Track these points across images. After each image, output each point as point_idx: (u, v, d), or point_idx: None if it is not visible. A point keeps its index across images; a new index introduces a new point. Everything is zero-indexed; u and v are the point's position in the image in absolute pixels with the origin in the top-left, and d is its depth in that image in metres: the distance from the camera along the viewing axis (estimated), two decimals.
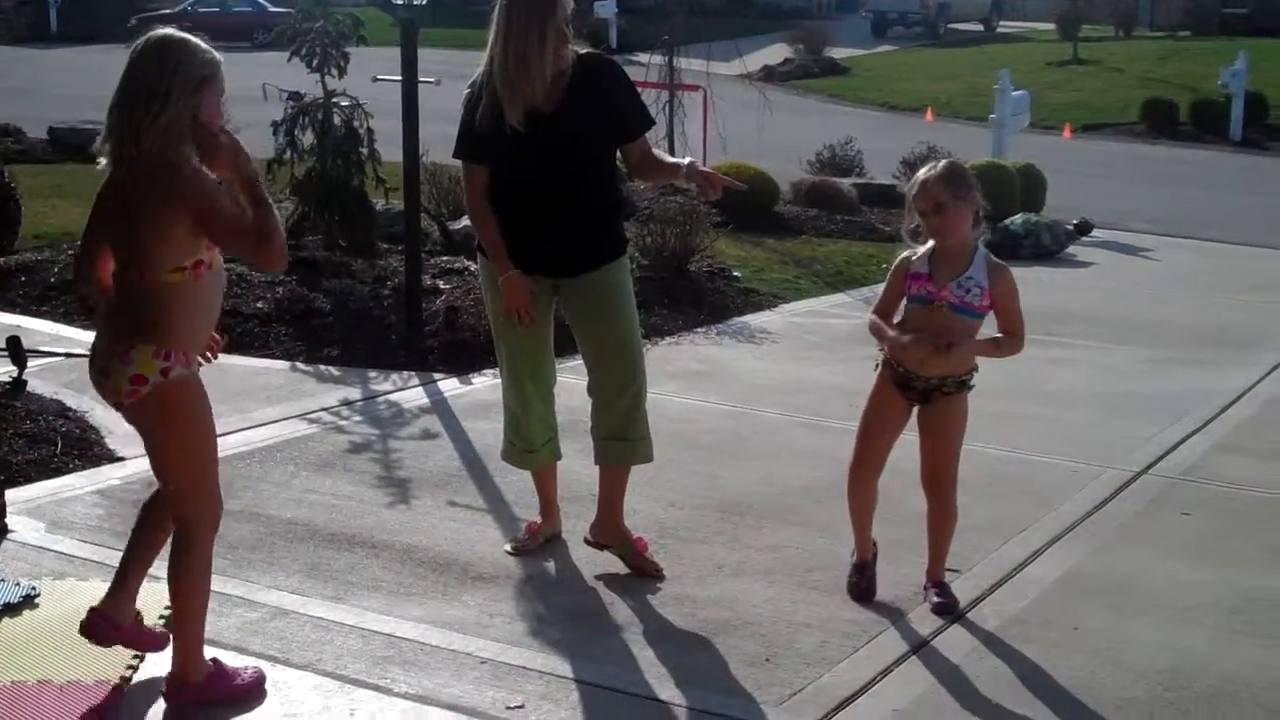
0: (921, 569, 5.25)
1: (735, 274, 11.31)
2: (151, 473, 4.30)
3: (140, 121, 3.91)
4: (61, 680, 4.31)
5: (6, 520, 5.53)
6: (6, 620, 4.71)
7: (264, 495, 6.04)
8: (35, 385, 7.22)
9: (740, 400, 7.93)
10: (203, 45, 4.04)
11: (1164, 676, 4.64)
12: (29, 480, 6.06)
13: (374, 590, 5.11)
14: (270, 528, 5.68)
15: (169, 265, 3.98)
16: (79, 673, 4.35)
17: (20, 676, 4.31)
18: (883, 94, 33.55)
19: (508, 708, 4.27)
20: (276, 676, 4.39)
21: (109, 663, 4.41)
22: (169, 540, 4.30)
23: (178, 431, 4.12)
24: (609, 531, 5.41)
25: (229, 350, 4.78)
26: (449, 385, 7.96)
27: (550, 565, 5.48)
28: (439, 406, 7.55)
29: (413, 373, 8.17)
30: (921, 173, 4.97)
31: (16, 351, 7.33)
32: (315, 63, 10.18)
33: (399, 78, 8.76)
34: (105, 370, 4.08)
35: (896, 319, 5.07)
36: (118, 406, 4.15)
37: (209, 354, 4.39)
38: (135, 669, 4.39)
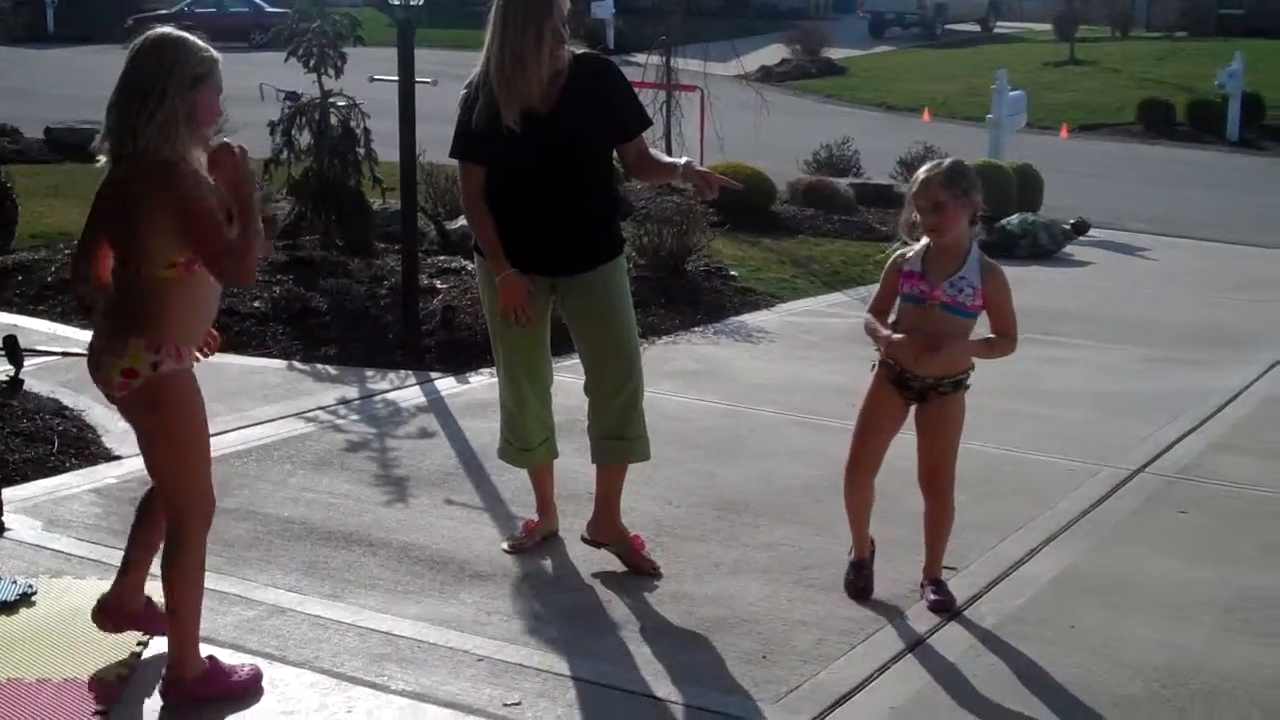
0: (918, 567, 5.26)
1: (732, 273, 11.32)
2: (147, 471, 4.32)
3: (137, 119, 3.95)
4: (59, 678, 4.31)
5: (3, 518, 5.54)
6: (4, 618, 4.72)
7: (261, 494, 6.05)
8: (32, 384, 7.22)
9: (737, 399, 7.93)
10: (200, 43, 4.07)
11: (1160, 674, 4.65)
12: (26, 479, 6.06)
13: (371, 588, 5.11)
14: (267, 526, 5.68)
15: (164, 260, 4.00)
16: (76, 670, 4.35)
17: (18, 674, 4.32)
18: (880, 94, 33.55)
19: (505, 705, 4.28)
20: (273, 674, 4.39)
21: (106, 660, 4.42)
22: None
23: (168, 425, 4.13)
24: (606, 529, 5.42)
25: (225, 349, 4.78)
26: (446, 384, 7.97)
27: (547, 563, 5.48)
28: (436, 405, 7.55)
29: (410, 372, 8.17)
30: (924, 170, 4.98)
31: (13, 350, 7.33)
32: (312, 63, 10.18)
33: (396, 78, 8.76)
34: (99, 363, 4.12)
35: (892, 318, 5.08)
36: (111, 399, 4.19)
37: (205, 350, 4.41)
38: (133, 667, 4.40)
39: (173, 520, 4.19)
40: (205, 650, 4.30)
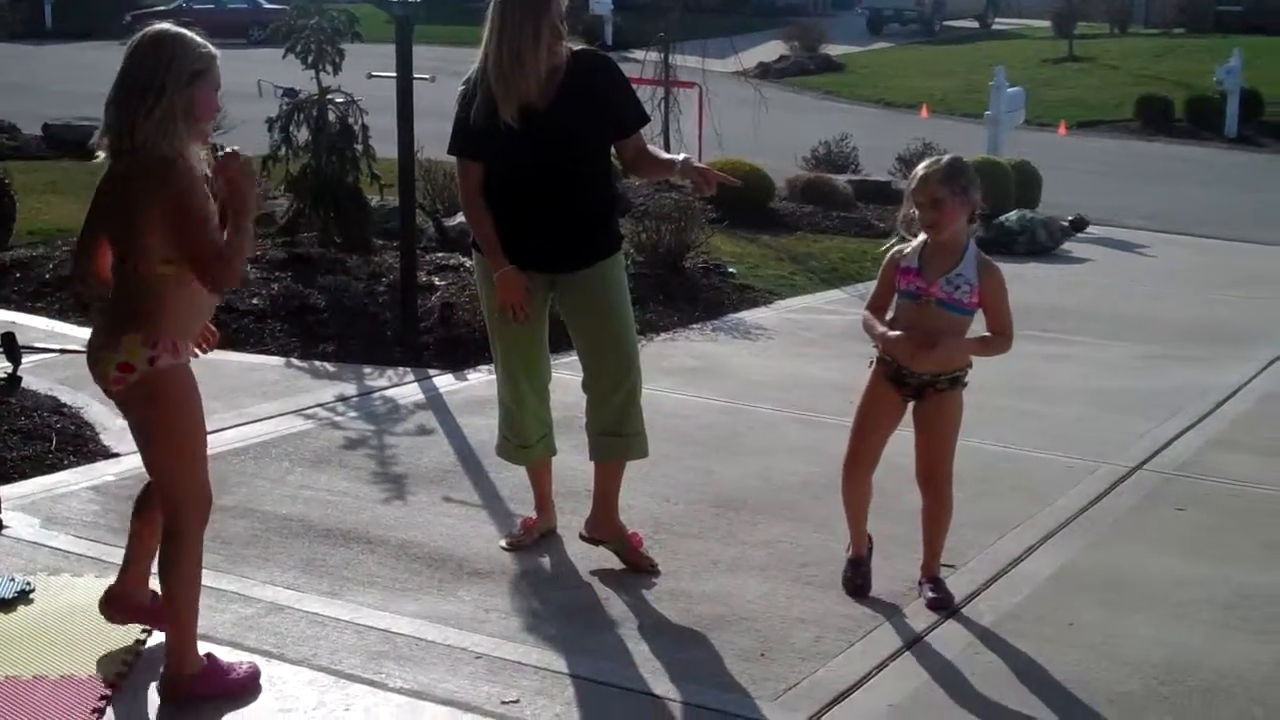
0: (917, 564, 5.26)
1: (730, 270, 11.31)
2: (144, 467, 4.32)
3: (135, 116, 3.96)
4: (56, 675, 4.31)
5: (1, 516, 5.53)
6: (2, 615, 4.72)
7: (259, 491, 6.04)
8: (30, 381, 7.22)
9: (735, 396, 7.93)
10: (198, 39, 4.08)
11: (1159, 671, 4.65)
12: (24, 476, 6.06)
13: (369, 585, 5.11)
14: (265, 523, 5.67)
15: (161, 256, 4.01)
16: (74, 668, 4.35)
17: (15, 671, 4.31)
18: (878, 91, 33.55)
19: (503, 702, 4.28)
20: (271, 671, 4.39)
21: (104, 658, 4.42)
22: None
23: (165, 420, 4.14)
24: (604, 527, 5.42)
25: (223, 346, 4.78)
26: (444, 381, 7.96)
27: (545, 560, 5.48)
28: (434, 402, 7.55)
29: (408, 369, 8.17)
30: (922, 166, 4.98)
31: (11, 348, 7.33)
32: (310, 59, 10.17)
33: (394, 74, 8.75)
34: (96, 359, 4.14)
35: (889, 315, 5.08)
36: (108, 394, 4.20)
37: (203, 347, 4.42)
38: (131, 665, 4.39)
39: (170, 516, 4.20)
40: (203, 648, 4.31)
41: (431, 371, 8.13)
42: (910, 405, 5.11)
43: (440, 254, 10.44)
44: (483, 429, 6.74)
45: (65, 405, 6.96)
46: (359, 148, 10.28)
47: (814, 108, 30.24)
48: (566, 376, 6.04)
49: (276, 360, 8.24)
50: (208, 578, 4.52)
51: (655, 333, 9.33)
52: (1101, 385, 8.58)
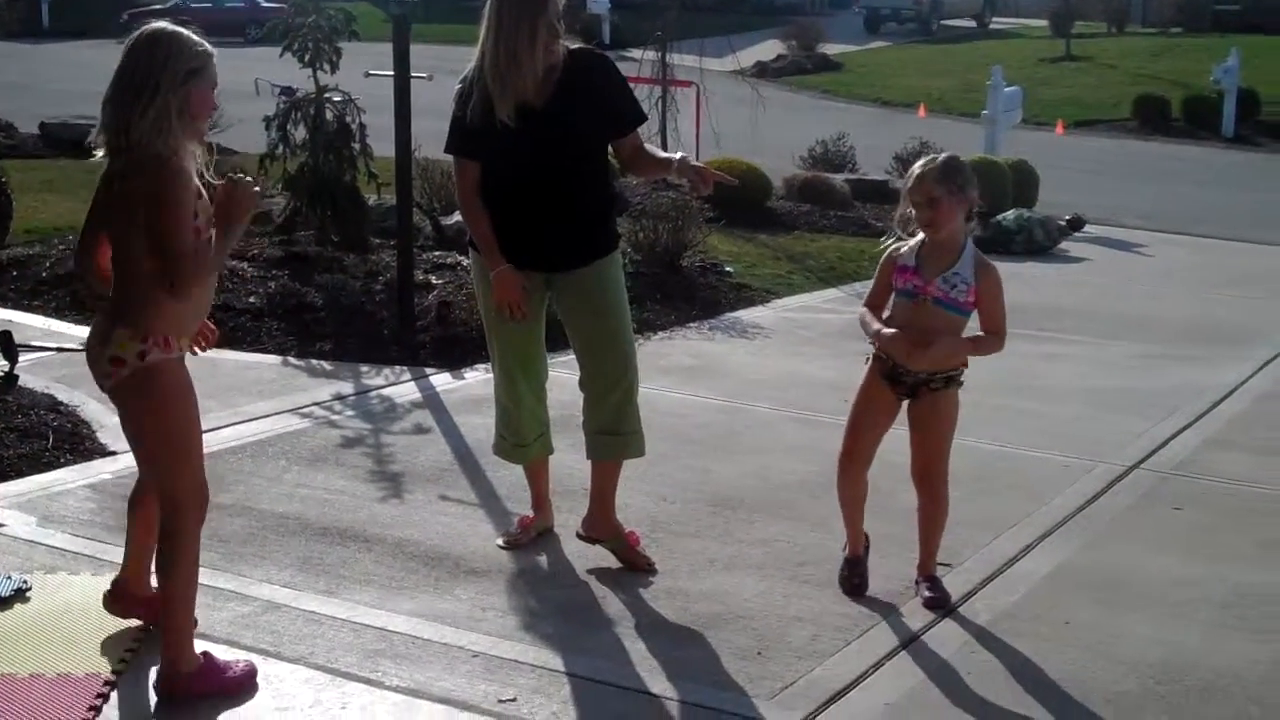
0: (913, 563, 5.26)
1: (728, 269, 11.31)
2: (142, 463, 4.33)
3: (130, 114, 3.98)
4: (53, 674, 4.31)
5: None
6: None
7: (256, 490, 6.04)
8: (27, 380, 7.21)
9: (732, 395, 7.93)
10: (194, 38, 4.09)
11: (1155, 670, 4.65)
12: (20, 474, 6.05)
13: (366, 584, 5.11)
14: (262, 522, 5.67)
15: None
16: (71, 666, 4.35)
17: (12, 669, 4.31)
18: (875, 90, 33.55)
19: (499, 701, 4.28)
20: (268, 670, 4.39)
21: (101, 656, 4.42)
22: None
23: (155, 415, 4.16)
24: (601, 526, 5.42)
25: (220, 344, 4.77)
26: (441, 380, 7.96)
27: (542, 559, 5.48)
28: (431, 401, 7.55)
29: (405, 367, 8.17)
30: (919, 165, 4.97)
31: (8, 346, 7.32)
32: (308, 58, 10.16)
33: (391, 73, 8.75)
34: (91, 354, 4.18)
35: (886, 313, 5.08)
36: (103, 389, 4.22)
37: (202, 344, 4.43)
38: (127, 663, 4.39)
39: (166, 512, 4.21)
40: (200, 646, 4.31)
41: (428, 370, 8.13)
42: (905, 403, 5.11)
43: (437, 253, 10.44)
44: (480, 428, 6.74)
45: (62, 403, 6.96)
46: (356, 146, 10.27)
47: (811, 107, 30.24)
48: (564, 375, 6.04)
49: (273, 359, 8.23)
50: (204, 576, 4.52)
51: (652, 331, 9.32)
52: (1098, 384, 8.58)
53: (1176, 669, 4.66)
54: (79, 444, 6.45)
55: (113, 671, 4.33)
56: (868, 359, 5.16)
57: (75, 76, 21.94)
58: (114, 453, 6.34)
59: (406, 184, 8.97)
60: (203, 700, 4.18)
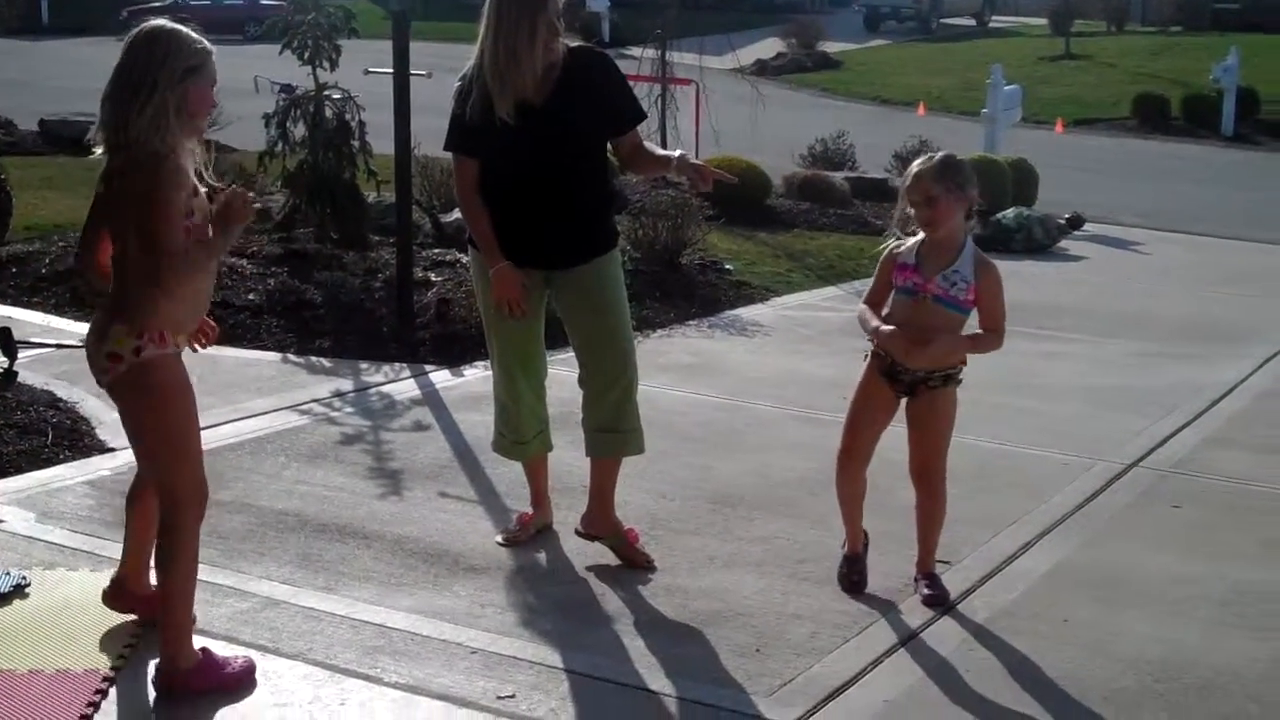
0: (912, 561, 5.26)
1: (727, 267, 11.32)
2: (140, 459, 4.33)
3: (128, 112, 3.98)
4: (52, 670, 4.31)
5: None
6: None
7: (255, 486, 6.04)
8: (26, 376, 7.21)
9: (732, 393, 7.93)
10: (193, 35, 4.10)
11: (1154, 668, 4.65)
12: (19, 471, 6.05)
13: (365, 581, 5.11)
14: (261, 518, 5.67)
15: None
16: (69, 662, 4.35)
17: (10, 666, 4.31)
18: (875, 88, 33.56)
19: (498, 697, 4.28)
20: (267, 666, 4.39)
21: (99, 652, 4.42)
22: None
23: (152, 411, 4.17)
24: (600, 523, 5.42)
25: (220, 341, 4.77)
26: (440, 377, 7.96)
27: (541, 556, 5.48)
28: (430, 398, 7.55)
29: (404, 364, 8.17)
30: (916, 164, 4.97)
31: (7, 343, 7.32)
32: (307, 55, 10.16)
33: (391, 70, 8.75)
34: (89, 350, 4.19)
35: (885, 310, 5.08)
36: (101, 385, 4.23)
37: (202, 341, 4.44)
38: (126, 658, 4.39)
39: (166, 508, 4.21)
40: (199, 642, 4.31)
41: (428, 367, 8.13)
42: (903, 401, 5.11)
43: (437, 250, 10.44)
44: (479, 425, 6.74)
45: (61, 400, 6.96)
46: (355, 144, 10.28)
47: (811, 105, 30.24)
48: (563, 372, 6.04)
49: (273, 356, 8.23)
50: (204, 572, 4.52)
51: (652, 329, 9.32)
52: (1097, 382, 8.59)
53: (1175, 667, 4.67)
54: (78, 440, 6.45)
55: (111, 667, 4.33)
56: (866, 356, 5.16)
57: (75, 74, 21.93)
58: (113, 449, 6.34)
59: (406, 181, 8.96)
60: (201, 696, 4.18)
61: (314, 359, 8.21)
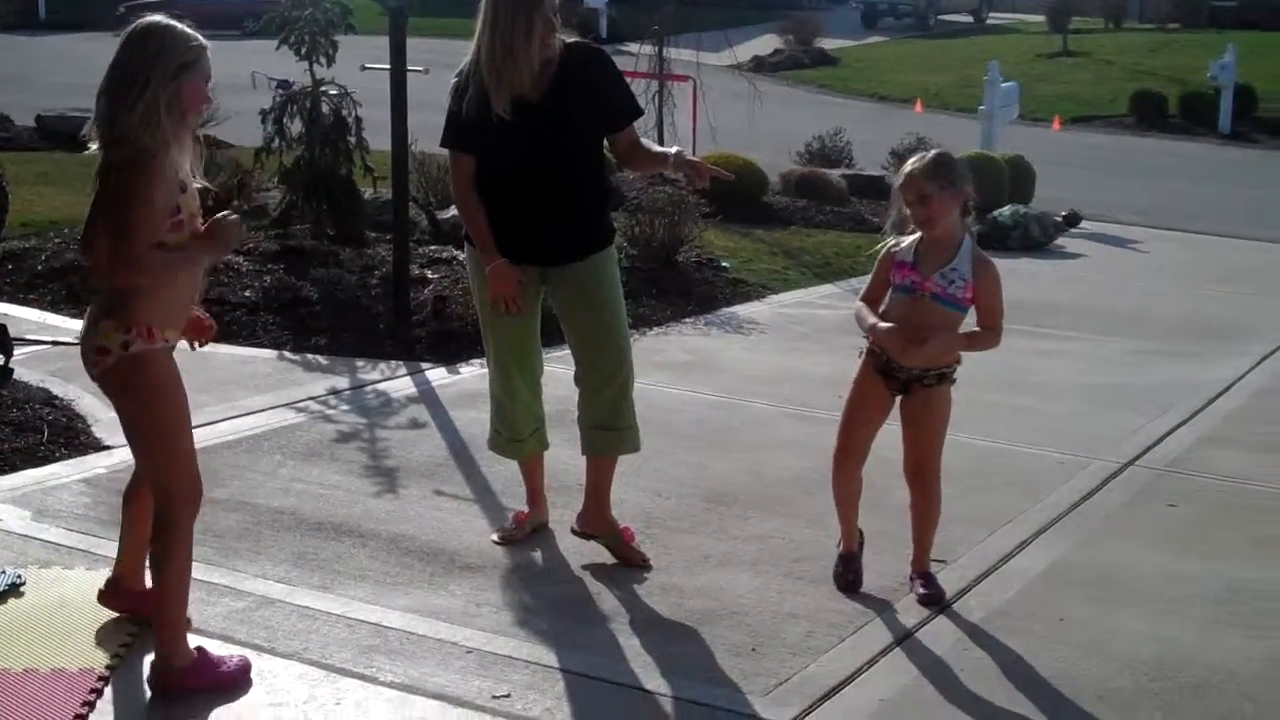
0: (907, 560, 5.26)
1: (724, 264, 11.31)
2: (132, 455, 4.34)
3: (120, 107, 3.98)
4: (47, 668, 4.31)
5: None
6: None
7: (251, 484, 6.03)
8: (22, 373, 7.20)
9: (728, 391, 7.93)
10: (188, 31, 4.10)
11: (1149, 667, 4.65)
12: (15, 469, 6.04)
13: (361, 579, 5.11)
14: (257, 517, 5.67)
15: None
16: (65, 661, 4.35)
17: (6, 665, 4.30)
18: (872, 85, 33.57)
19: (494, 697, 4.27)
20: (262, 665, 4.38)
21: (95, 651, 4.41)
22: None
23: (142, 405, 4.18)
24: (596, 521, 5.41)
25: (216, 339, 4.77)
26: (436, 375, 7.96)
27: (537, 555, 5.48)
28: (426, 396, 7.54)
29: (400, 362, 8.16)
30: (909, 163, 4.97)
31: (3, 339, 7.30)
32: (304, 51, 10.15)
33: (387, 66, 8.74)
34: (81, 343, 4.21)
35: (881, 308, 5.07)
36: (92, 378, 4.25)
37: (200, 340, 4.46)
38: (121, 657, 4.39)
39: (160, 505, 4.22)
40: (194, 641, 4.30)
41: (424, 365, 8.12)
42: (898, 399, 5.11)
43: (433, 247, 10.43)
44: (475, 423, 6.73)
45: (57, 397, 6.95)
46: (352, 140, 10.26)
47: (808, 102, 30.24)
48: (559, 370, 6.04)
49: (269, 353, 8.22)
50: (199, 571, 4.52)
51: (648, 327, 9.32)
52: (1094, 381, 8.59)
53: (1171, 666, 4.67)
54: (74, 438, 6.44)
55: (107, 666, 4.32)
56: (861, 353, 5.16)
57: (72, 69, 21.87)
58: (109, 447, 6.33)
59: (403, 178, 8.96)
60: (196, 695, 4.17)
61: (310, 356, 8.21)
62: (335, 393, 7.50)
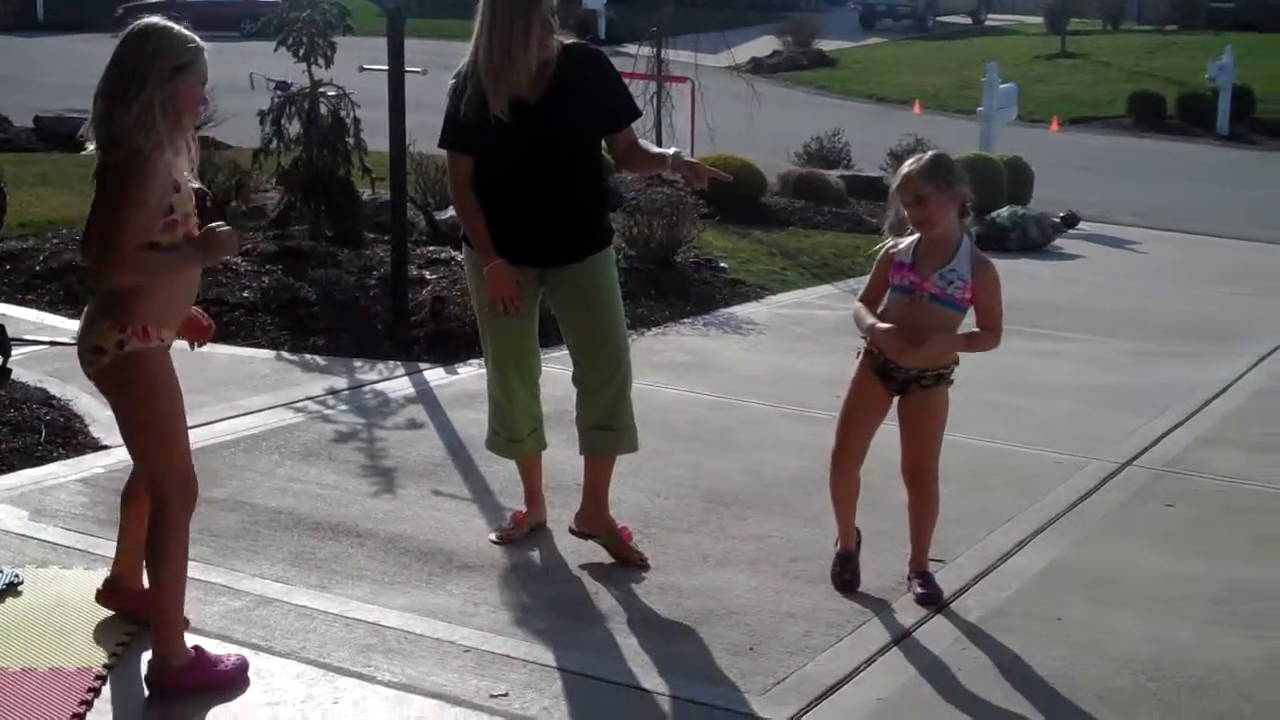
0: (905, 560, 5.26)
1: (722, 265, 11.31)
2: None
3: (116, 108, 3.99)
4: (45, 668, 4.30)
5: None
6: None
7: (249, 484, 6.03)
8: (20, 373, 7.19)
9: (726, 391, 7.93)
10: (185, 33, 4.10)
11: (1147, 667, 4.65)
12: (13, 468, 6.04)
13: (358, 579, 5.11)
14: (255, 516, 5.66)
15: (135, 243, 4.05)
16: (62, 660, 4.35)
17: (3, 664, 4.30)
18: (870, 86, 33.58)
19: (491, 696, 4.27)
20: (260, 664, 4.38)
21: (92, 650, 4.41)
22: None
23: (135, 403, 4.18)
24: (594, 521, 5.42)
25: (214, 339, 4.77)
26: (434, 375, 7.96)
27: (535, 554, 5.48)
28: (424, 396, 7.54)
29: (398, 362, 8.16)
30: (906, 165, 4.97)
31: (1, 340, 7.29)
32: (302, 52, 10.14)
33: (385, 67, 8.74)
34: (78, 343, 4.22)
35: (880, 309, 5.07)
36: (89, 377, 4.26)
37: (200, 340, 4.47)
38: (119, 656, 4.39)
39: (155, 502, 4.23)
40: (191, 640, 4.30)
41: (422, 365, 8.12)
42: (896, 400, 5.11)
43: (431, 247, 10.43)
44: (473, 423, 6.73)
45: (54, 397, 6.95)
46: (350, 141, 10.26)
47: (806, 103, 30.25)
48: (557, 370, 6.04)
49: (267, 353, 8.22)
50: (197, 570, 4.52)
51: (646, 327, 9.32)
52: (1092, 381, 8.59)
53: (1168, 666, 4.67)
54: (71, 438, 6.44)
55: (104, 666, 4.32)
56: (859, 353, 5.16)
57: (70, 70, 21.84)
58: (106, 447, 6.33)
59: (401, 179, 8.96)
60: (194, 694, 4.17)
61: (308, 357, 8.21)
62: (333, 393, 7.50)
